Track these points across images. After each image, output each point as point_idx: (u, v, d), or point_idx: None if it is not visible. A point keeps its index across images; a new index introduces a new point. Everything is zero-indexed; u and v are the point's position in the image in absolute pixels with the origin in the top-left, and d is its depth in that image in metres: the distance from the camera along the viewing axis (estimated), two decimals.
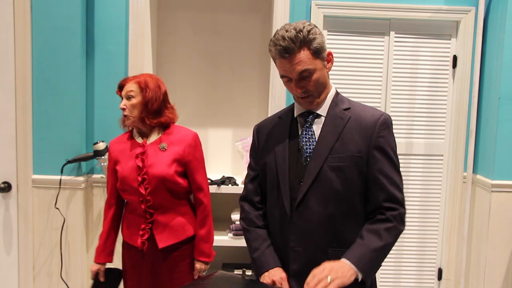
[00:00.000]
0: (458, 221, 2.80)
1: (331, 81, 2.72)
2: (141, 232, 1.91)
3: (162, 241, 1.90)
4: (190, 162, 1.93)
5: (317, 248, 1.42)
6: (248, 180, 1.62)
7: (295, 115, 1.50)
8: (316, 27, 1.41)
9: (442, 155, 2.83)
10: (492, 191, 2.57)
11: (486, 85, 2.70)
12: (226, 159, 2.96)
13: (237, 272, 2.54)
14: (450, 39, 2.77)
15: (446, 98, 2.81)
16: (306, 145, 1.43)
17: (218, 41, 2.92)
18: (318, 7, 2.66)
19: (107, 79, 2.60)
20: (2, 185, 2.50)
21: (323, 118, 1.45)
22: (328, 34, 2.73)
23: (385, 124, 1.43)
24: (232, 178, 2.71)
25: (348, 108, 1.45)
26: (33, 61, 2.48)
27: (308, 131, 1.45)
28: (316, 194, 1.40)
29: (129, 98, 1.88)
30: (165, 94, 1.96)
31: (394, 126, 2.74)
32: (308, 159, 1.42)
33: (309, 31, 1.36)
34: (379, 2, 2.66)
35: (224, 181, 2.63)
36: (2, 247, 2.55)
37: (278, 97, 2.63)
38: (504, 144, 2.56)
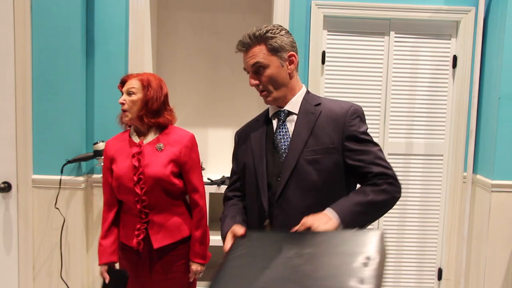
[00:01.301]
0: (458, 221, 2.80)
1: (331, 81, 2.76)
2: (136, 232, 1.90)
3: (158, 241, 1.90)
4: (186, 163, 1.92)
5: None
6: (229, 183, 1.69)
7: (270, 115, 1.57)
8: (284, 30, 1.49)
9: (442, 155, 2.83)
10: (492, 191, 2.57)
11: (486, 85, 2.70)
12: (226, 159, 2.96)
13: None
14: (450, 39, 2.77)
15: (446, 98, 2.81)
16: (281, 142, 1.49)
17: (218, 41, 2.92)
18: (318, 7, 2.66)
19: (107, 79, 2.60)
20: (2, 185, 2.50)
21: (295, 116, 1.51)
22: (328, 34, 2.73)
23: (355, 113, 1.47)
24: None
25: (319, 104, 1.51)
26: (33, 61, 2.48)
27: (282, 128, 1.51)
28: (295, 188, 1.45)
29: (129, 94, 1.88)
30: (166, 96, 1.96)
31: (394, 126, 2.79)
32: (284, 155, 1.48)
33: (268, 30, 1.46)
34: (379, 2, 2.66)
35: (224, 181, 2.64)
36: (2, 247, 2.55)
37: None
38: (504, 144, 2.56)
